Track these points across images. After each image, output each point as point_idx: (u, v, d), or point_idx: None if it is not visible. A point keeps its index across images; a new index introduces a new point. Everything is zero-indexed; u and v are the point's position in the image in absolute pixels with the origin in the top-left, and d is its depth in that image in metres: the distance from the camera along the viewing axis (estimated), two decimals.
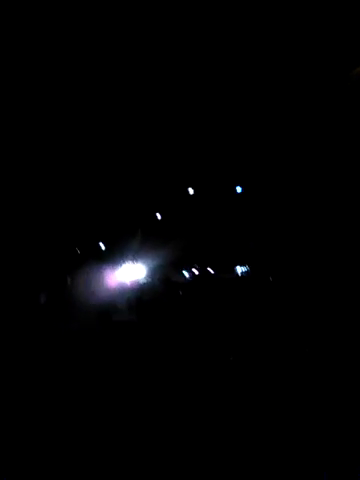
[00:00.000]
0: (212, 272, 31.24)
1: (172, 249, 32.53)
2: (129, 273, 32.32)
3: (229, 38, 13.46)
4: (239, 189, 25.12)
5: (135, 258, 33.75)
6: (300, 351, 7.86)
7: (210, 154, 23.59)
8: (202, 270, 31.87)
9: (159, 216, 34.39)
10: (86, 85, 16.66)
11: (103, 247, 36.24)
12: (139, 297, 22.78)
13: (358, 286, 14.26)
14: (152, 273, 32.59)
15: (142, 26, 13.74)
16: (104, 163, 23.70)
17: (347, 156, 14.93)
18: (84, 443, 4.52)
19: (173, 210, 31.55)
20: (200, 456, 3.87)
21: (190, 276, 32.19)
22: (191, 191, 29.42)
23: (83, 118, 19.13)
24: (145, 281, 32.34)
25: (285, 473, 3.55)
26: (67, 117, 18.54)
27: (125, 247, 34.29)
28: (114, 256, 35.35)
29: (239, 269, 29.20)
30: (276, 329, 10.39)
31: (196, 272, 32.38)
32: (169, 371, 7.36)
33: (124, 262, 33.91)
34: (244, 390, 6.27)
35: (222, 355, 8.11)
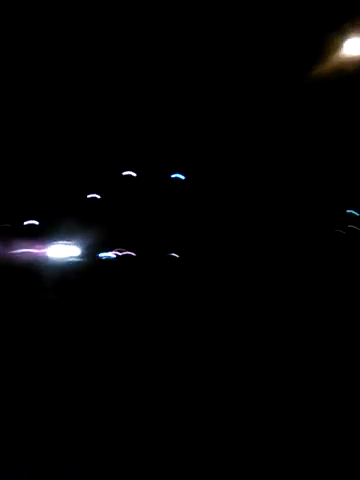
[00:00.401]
0: (134, 254, 31.35)
1: (103, 230, 32.42)
2: (60, 252, 31.91)
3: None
4: (180, 176, 25.32)
5: (67, 237, 33.32)
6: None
7: (149, 139, 23.58)
8: (125, 252, 31.97)
9: (98, 196, 34.09)
10: None
11: (37, 224, 35.49)
12: (65, 275, 22.58)
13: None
14: (83, 253, 32.39)
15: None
16: (40, 143, 23.22)
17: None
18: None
19: (109, 192, 31.36)
20: (189, 454, 3.93)
21: (114, 257, 32.20)
22: (131, 174, 29.34)
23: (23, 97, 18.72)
24: (74, 260, 32.06)
25: (285, 473, 3.61)
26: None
27: (58, 226, 33.75)
28: (47, 234, 34.73)
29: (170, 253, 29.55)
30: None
31: (119, 254, 32.38)
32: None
33: (56, 241, 33.40)
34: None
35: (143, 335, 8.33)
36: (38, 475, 3.51)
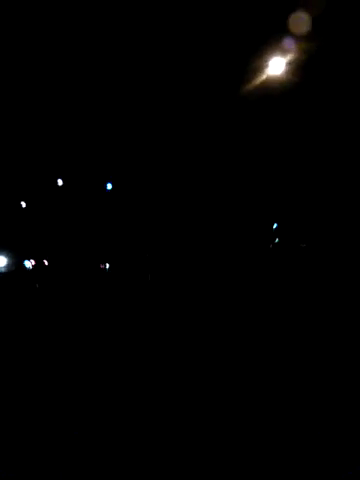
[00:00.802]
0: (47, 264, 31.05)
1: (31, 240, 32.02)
2: None
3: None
4: (109, 186, 25.33)
5: None
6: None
7: (83, 148, 23.45)
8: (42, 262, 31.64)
9: (23, 205, 33.36)
10: None
11: None
12: None
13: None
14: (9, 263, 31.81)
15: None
16: None
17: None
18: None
19: (38, 200, 30.81)
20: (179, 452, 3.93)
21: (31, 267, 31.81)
22: (60, 182, 28.95)
23: None
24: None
25: (285, 473, 3.61)
26: None
27: None
28: None
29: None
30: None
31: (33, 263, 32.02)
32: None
33: None
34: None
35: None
36: (38, 475, 3.54)
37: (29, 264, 31.79)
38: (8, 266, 33.64)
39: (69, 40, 15.52)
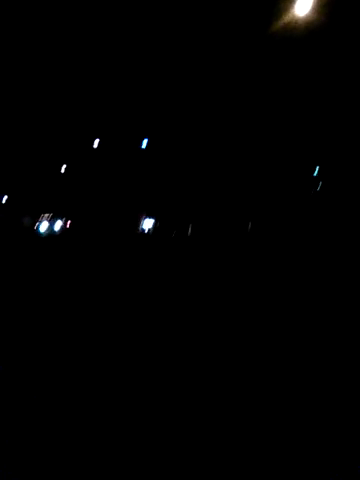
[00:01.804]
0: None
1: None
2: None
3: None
4: (144, 143, 25.57)
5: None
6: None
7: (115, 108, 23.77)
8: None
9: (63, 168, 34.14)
10: None
11: None
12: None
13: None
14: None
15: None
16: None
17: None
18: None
19: (78, 163, 31.43)
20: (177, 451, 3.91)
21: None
22: (96, 144, 29.44)
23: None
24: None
25: (285, 473, 3.60)
26: None
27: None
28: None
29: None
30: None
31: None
32: None
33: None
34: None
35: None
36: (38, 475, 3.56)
37: (59, 225, 32.57)
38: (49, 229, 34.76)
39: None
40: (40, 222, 34.40)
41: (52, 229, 33.75)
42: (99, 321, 7.94)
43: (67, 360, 5.90)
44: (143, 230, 29.05)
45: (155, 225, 27.01)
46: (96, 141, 29.54)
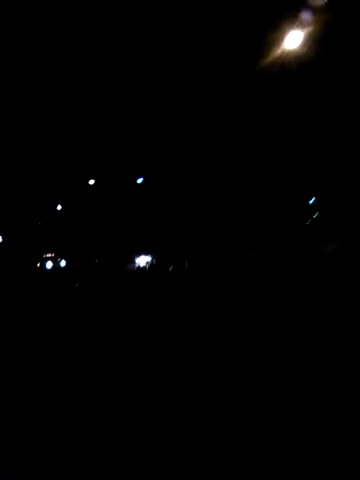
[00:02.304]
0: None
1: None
2: None
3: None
4: (140, 180, 25.58)
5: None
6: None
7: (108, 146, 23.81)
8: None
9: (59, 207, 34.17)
10: None
11: None
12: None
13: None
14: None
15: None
16: None
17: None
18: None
19: (73, 201, 31.46)
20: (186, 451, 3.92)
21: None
22: (92, 182, 29.47)
23: None
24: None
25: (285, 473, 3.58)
26: None
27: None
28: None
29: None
30: None
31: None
32: None
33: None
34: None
35: None
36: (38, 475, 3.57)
37: (63, 262, 32.85)
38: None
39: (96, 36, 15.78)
40: (44, 261, 34.65)
41: (57, 268, 34.11)
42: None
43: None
44: (139, 266, 29.28)
45: (152, 261, 27.08)
46: (91, 180, 29.50)
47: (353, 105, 13.37)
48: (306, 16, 13.61)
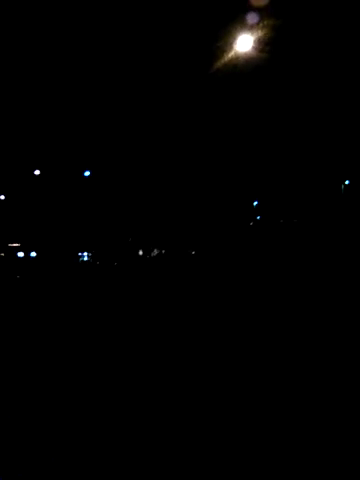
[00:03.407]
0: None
1: None
2: None
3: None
4: (87, 173, 25.43)
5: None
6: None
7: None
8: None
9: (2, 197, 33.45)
10: None
11: None
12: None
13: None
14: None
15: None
16: None
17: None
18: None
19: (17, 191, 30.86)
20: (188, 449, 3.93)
21: None
22: (37, 172, 28.99)
23: None
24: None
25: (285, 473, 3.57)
26: None
27: None
28: None
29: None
30: None
31: None
32: None
33: None
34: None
35: None
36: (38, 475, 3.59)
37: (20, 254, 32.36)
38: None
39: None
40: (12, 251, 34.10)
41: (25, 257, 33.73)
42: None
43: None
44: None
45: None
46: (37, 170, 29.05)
47: (305, 104, 13.98)
48: (254, 20, 14.07)
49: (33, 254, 32.60)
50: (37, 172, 29.84)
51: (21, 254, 32.20)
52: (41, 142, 24.31)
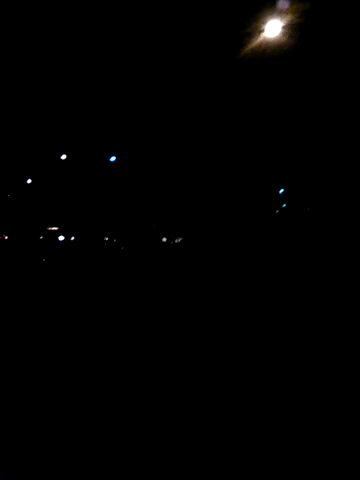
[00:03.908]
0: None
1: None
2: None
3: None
4: (113, 158, 25.54)
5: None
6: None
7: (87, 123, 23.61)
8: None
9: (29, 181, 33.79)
10: None
11: None
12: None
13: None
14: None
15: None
16: None
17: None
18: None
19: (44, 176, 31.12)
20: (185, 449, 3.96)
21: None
22: (64, 157, 29.19)
23: None
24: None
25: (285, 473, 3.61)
26: None
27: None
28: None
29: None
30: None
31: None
32: None
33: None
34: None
35: None
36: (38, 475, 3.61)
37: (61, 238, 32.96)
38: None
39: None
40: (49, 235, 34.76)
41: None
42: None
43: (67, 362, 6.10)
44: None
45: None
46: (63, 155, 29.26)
47: (333, 93, 13.75)
48: (284, 5, 13.84)
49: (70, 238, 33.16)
50: (63, 157, 30.04)
51: (61, 238, 32.72)
52: (68, 127, 24.43)
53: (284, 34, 13.59)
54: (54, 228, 34.10)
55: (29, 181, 35.25)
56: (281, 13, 13.60)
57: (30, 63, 16.43)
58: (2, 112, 22.27)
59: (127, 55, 15.46)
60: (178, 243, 23.54)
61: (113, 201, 26.62)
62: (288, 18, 13.66)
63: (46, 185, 32.22)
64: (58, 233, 33.27)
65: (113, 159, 25.88)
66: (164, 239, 24.66)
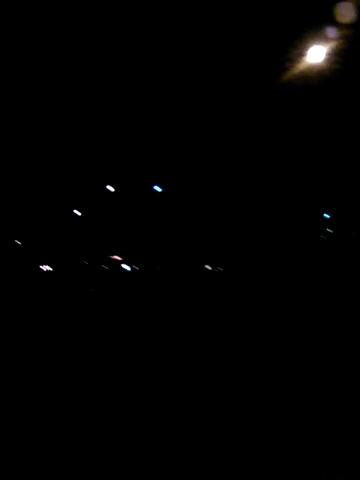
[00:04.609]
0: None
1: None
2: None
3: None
4: (158, 189, 25.81)
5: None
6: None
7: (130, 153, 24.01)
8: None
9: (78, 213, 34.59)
10: None
11: None
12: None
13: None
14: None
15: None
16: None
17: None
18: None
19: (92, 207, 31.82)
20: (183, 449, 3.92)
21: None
22: (111, 189, 29.74)
23: None
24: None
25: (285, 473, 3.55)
26: None
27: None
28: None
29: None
30: None
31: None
32: None
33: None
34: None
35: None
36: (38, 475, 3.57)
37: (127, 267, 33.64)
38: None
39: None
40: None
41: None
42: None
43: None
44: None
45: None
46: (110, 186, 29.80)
47: None
48: (330, 31, 13.75)
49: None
50: (111, 188, 30.56)
51: (127, 267, 33.38)
52: (112, 155, 24.86)
53: (327, 60, 13.47)
54: (116, 257, 34.80)
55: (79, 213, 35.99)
56: (325, 39, 13.52)
57: (31, 64, 16.69)
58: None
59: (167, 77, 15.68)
60: (221, 271, 23.42)
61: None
62: (331, 44, 13.55)
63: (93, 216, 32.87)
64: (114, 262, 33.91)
65: (158, 189, 26.14)
66: (207, 267, 24.56)
